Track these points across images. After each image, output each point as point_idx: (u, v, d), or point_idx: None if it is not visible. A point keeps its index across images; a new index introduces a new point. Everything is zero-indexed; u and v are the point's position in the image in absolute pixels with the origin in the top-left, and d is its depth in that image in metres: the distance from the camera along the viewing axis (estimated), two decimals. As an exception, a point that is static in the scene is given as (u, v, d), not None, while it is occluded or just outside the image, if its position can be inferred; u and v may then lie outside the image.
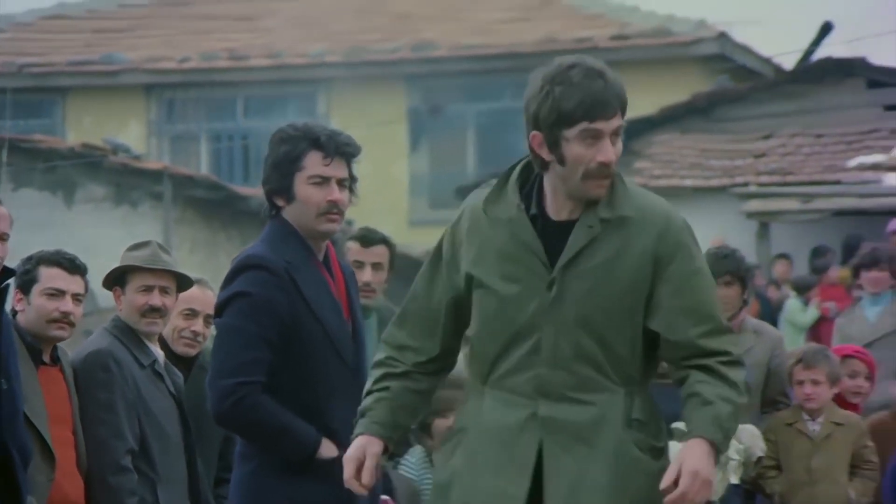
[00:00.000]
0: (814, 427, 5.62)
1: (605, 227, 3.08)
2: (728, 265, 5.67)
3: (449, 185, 18.13)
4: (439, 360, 3.26)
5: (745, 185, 14.76)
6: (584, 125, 3.06)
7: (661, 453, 3.16)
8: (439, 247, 3.23)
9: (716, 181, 15.12)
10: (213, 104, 19.47)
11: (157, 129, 19.26)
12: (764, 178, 14.88)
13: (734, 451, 5.26)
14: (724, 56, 17.69)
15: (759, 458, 5.46)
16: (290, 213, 3.72)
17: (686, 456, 3.02)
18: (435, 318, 3.21)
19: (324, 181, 3.70)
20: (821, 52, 17.52)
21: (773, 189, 14.55)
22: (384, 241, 5.05)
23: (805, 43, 18.02)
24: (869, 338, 7.19)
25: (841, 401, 5.81)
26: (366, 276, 4.96)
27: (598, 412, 3.08)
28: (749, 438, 5.41)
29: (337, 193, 3.71)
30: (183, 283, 4.41)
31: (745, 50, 18.08)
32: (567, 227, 3.09)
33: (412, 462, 4.99)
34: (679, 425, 5.32)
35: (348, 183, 3.76)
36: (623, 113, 3.12)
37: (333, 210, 3.71)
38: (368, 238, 5.03)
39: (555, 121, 3.08)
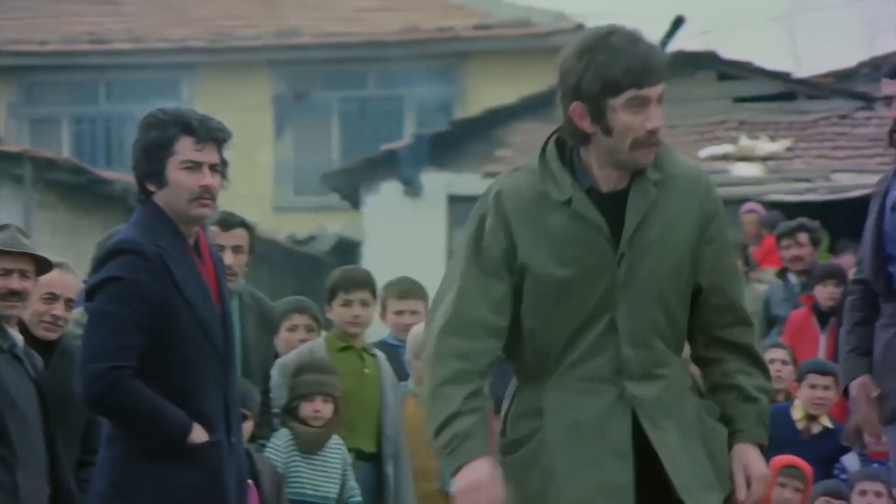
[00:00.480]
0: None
1: (658, 190, 2.97)
2: None
3: (313, 171, 18.03)
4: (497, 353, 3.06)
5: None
6: (631, 92, 2.91)
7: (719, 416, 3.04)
8: (476, 239, 3.01)
9: (573, 169, 15.28)
10: (75, 88, 19.08)
11: (16, 112, 18.80)
12: (620, 167, 15.09)
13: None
14: (582, 47, 17.86)
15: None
16: (161, 198, 3.69)
17: (750, 462, 2.97)
18: (494, 314, 2.95)
19: (196, 166, 3.66)
20: (673, 45, 17.85)
21: (629, 177, 14.75)
22: (243, 224, 5.00)
23: (659, 35, 18.33)
24: None
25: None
26: (226, 259, 4.91)
27: (675, 386, 2.97)
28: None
29: (209, 178, 3.67)
30: (43, 266, 4.30)
31: (603, 42, 18.27)
32: (616, 198, 2.95)
33: (278, 445, 4.95)
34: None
35: (220, 168, 3.72)
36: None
37: (206, 195, 3.67)
38: (227, 221, 4.98)
39: (599, 90, 2.95)
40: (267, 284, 14.37)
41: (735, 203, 11.71)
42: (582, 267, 2.93)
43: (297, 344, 5.40)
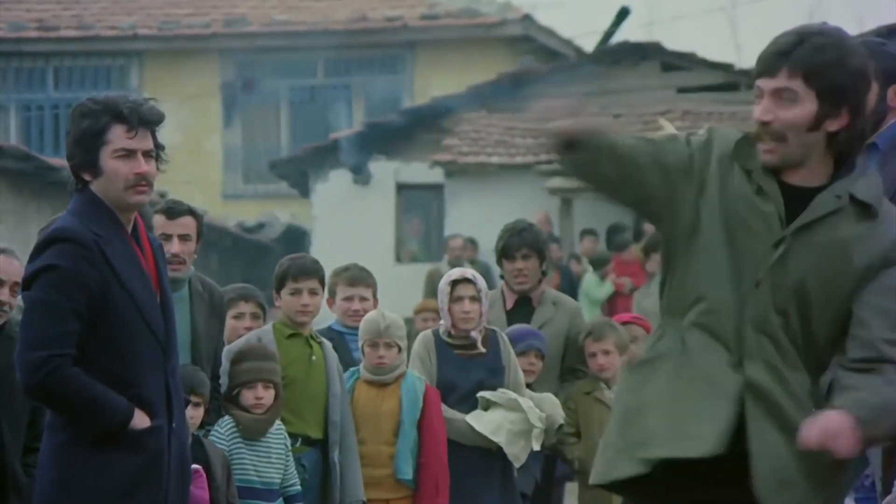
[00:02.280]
0: (610, 395, 5.75)
1: (852, 205, 2.92)
2: (526, 238, 5.77)
3: (262, 159, 17.95)
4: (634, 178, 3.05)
5: (549, 162, 14.98)
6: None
7: None
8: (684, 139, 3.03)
9: (520, 158, 15.32)
10: (22, 75, 18.86)
11: (-37, 99, 18.59)
12: (566, 156, 15.11)
13: (537, 420, 5.34)
14: (528, 37, 17.90)
15: (561, 426, 5.55)
16: (97, 186, 3.66)
17: (823, 414, 2.86)
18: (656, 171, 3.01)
19: (129, 154, 3.63)
20: (619, 36, 17.91)
21: (575, 166, 14.78)
22: (190, 212, 4.96)
23: (604, 26, 18.40)
24: None
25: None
26: (174, 247, 4.87)
27: (798, 392, 2.94)
28: (550, 407, 5.51)
29: (144, 165, 3.64)
30: None
31: (549, 32, 18.34)
32: (798, 191, 2.93)
33: (221, 433, 4.93)
34: (484, 394, 5.43)
35: (154, 153, 3.68)
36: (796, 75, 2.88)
37: (141, 182, 3.64)
38: (174, 210, 4.93)
39: None
40: (216, 272, 14.29)
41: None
42: (751, 235, 2.93)
43: (243, 332, 5.37)
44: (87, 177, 3.66)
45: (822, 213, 2.92)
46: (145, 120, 3.65)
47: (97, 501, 3.61)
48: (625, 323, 6.14)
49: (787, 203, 2.94)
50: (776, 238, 2.92)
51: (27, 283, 3.66)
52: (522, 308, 5.86)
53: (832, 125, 2.89)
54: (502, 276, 5.91)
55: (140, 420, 3.62)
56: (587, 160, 3.04)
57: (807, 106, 2.88)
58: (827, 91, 2.87)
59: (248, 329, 5.49)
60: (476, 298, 5.32)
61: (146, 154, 3.66)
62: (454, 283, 5.36)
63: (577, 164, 3.06)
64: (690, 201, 2.99)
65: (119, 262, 3.61)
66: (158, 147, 3.71)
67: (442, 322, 5.43)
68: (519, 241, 5.73)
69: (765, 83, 2.91)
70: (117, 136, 3.62)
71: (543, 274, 5.91)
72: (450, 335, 5.39)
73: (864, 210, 2.92)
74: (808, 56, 2.87)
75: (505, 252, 5.81)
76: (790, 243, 2.92)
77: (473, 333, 5.34)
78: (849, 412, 2.83)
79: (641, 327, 6.19)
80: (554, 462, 5.87)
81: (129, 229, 3.69)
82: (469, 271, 5.52)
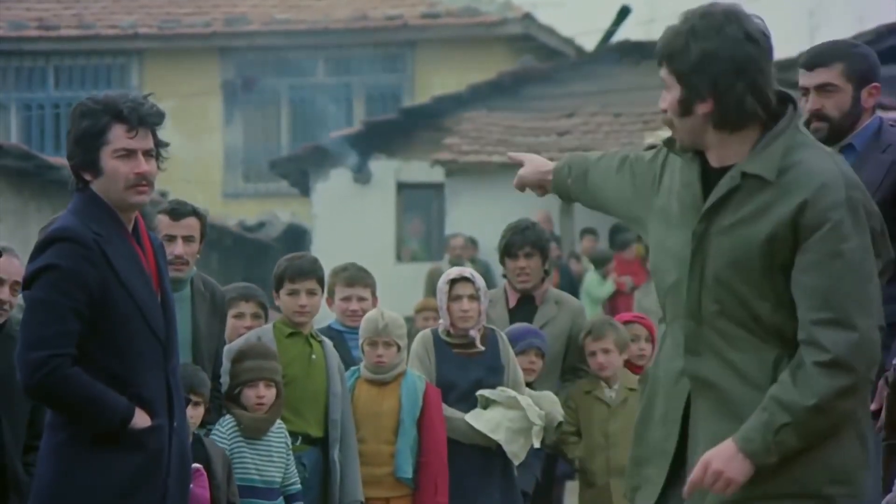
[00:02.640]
0: (610, 394, 5.75)
1: (751, 181, 2.92)
2: (529, 237, 5.77)
3: (262, 158, 17.95)
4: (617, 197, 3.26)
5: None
6: None
7: None
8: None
9: (521, 157, 15.30)
10: (23, 74, 18.86)
11: (-36, 98, 18.59)
12: (567, 155, 15.12)
13: (536, 417, 5.34)
14: (528, 36, 17.90)
15: (560, 423, 5.55)
16: (98, 186, 3.65)
17: (709, 450, 2.87)
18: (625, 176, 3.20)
19: (130, 154, 3.62)
20: (619, 35, 17.90)
21: (575, 165, 14.79)
22: (195, 212, 4.96)
23: (605, 25, 18.39)
24: None
25: (629, 366, 5.95)
26: (178, 248, 4.86)
27: (744, 372, 2.91)
28: (549, 405, 5.51)
29: (144, 165, 3.63)
30: None
31: (549, 31, 18.34)
32: (719, 173, 2.96)
33: (223, 432, 4.93)
34: (483, 392, 5.42)
35: (155, 152, 3.67)
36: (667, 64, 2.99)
37: (142, 182, 3.63)
38: (178, 211, 4.93)
39: None
40: (216, 270, 14.29)
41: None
42: (682, 230, 2.98)
43: (244, 331, 5.37)
44: (87, 176, 3.65)
45: (719, 195, 2.93)
46: (145, 119, 3.64)
47: (96, 501, 3.60)
48: (626, 322, 6.13)
49: (712, 186, 2.96)
50: (694, 227, 2.96)
51: (28, 283, 3.66)
52: (525, 307, 5.86)
53: (700, 108, 2.92)
54: (504, 275, 5.91)
55: (141, 419, 3.62)
56: (564, 197, 3.36)
57: (674, 92, 2.93)
58: (683, 76, 2.91)
59: (249, 328, 5.49)
60: (475, 297, 5.32)
61: (146, 153, 3.65)
62: (452, 282, 5.36)
63: (562, 198, 3.40)
64: (645, 217, 3.11)
65: (119, 261, 3.60)
66: (159, 145, 3.70)
67: (441, 321, 5.43)
68: (522, 240, 5.73)
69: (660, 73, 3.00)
70: (117, 136, 3.61)
71: (546, 273, 5.92)
72: (449, 334, 5.39)
73: (762, 183, 2.91)
74: (664, 43, 2.94)
75: (507, 250, 5.81)
76: (703, 230, 2.95)
77: (472, 332, 5.34)
78: (734, 443, 2.85)
79: (643, 326, 6.18)
80: (555, 461, 5.87)
81: (130, 228, 3.69)
82: (467, 270, 5.52)
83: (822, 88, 4.15)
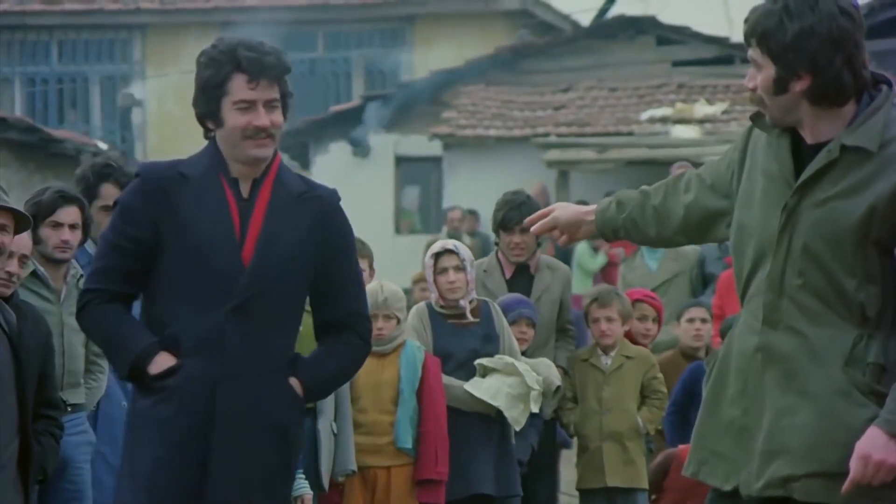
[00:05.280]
0: (606, 360, 5.78)
1: (850, 154, 2.88)
2: (525, 212, 5.77)
3: (263, 131, 17.90)
4: (679, 224, 3.20)
5: (546, 135, 14.97)
6: None
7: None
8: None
9: (518, 131, 15.29)
10: (27, 47, 18.81)
11: (-32, 72, 18.53)
12: (563, 129, 15.11)
13: (534, 382, 5.36)
14: (526, 11, 17.85)
15: (558, 388, 5.57)
16: (220, 136, 3.46)
17: (859, 442, 2.82)
18: (691, 196, 3.17)
19: (250, 106, 3.40)
20: (615, 10, 17.85)
21: (571, 139, 14.79)
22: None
23: (600, 0, 18.32)
24: (651, 285, 7.38)
25: (629, 338, 5.97)
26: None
27: (817, 349, 2.88)
28: (545, 370, 5.52)
29: (263, 118, 3.40)
30: (21, 223, 4.15)
31: (546, 6, 18.28)
32: (814, 149, 2.92)
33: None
34: (482, 361, 5.43)
35: (278, 103, 3.43)
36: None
37: (260, 135, 3.41)
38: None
39: None
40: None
41: (674, 164, 11.75)
42: (769, 204, 2.95)
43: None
44: (211, 125, 3.46)
45: (816, 169, 2.89)
46: (268, 70, 3.40)
47: (140, 458, 3.41)
48: (636, 301, 6.13)
49: (805, 161, 2.92)
50: (784, 201, 2.93)
51: None
52: (521, 277, 5.88)
53: (797, 86, 2.89)
54: (497, 244, 5.91)
55: (156, 365, 3.38)
56: (608, 235, 3.30)
57: (767, 71, 2.90)
58: (777, 55, 2.88)
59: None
60: (460, 268, 5.32)
61: (268, 104, 3.41)
62: (437, 256, 5.36)
63: (605, 236, 3.32)
64: (729, 209, 3.09)
65: (189, 200, 3.40)
66: (286, 96, 3.45)
67: (432, 294, 5.43)
68: (518, 215, 5.73)
69: (748, 53, 2.97)
70: (238, 87, 3.40)
71: (539, 245, 5.93)
72: (441, 306, 5.39)
73: (865, 154, 2.87)
74: (756, 23, 2.91)
75: (504, 224, 5.81)
76: (795, 204, 2.91)
77: (462, 302, 5.34)
78: (879, 428, 2.80)
79: (652, 307, 6.18)
80: (554, 429, 5.89)
81: (247, 180, 3.43)
82: (451, 242, 5.50)
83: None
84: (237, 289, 3.38)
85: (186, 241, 3.39)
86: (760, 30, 2.89)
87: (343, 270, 3.55)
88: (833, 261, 2.88)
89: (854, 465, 2.80)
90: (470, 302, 5.37)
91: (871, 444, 2.79)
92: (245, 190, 3.45)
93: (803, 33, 2.86)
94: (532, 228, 3.31)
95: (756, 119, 3.01)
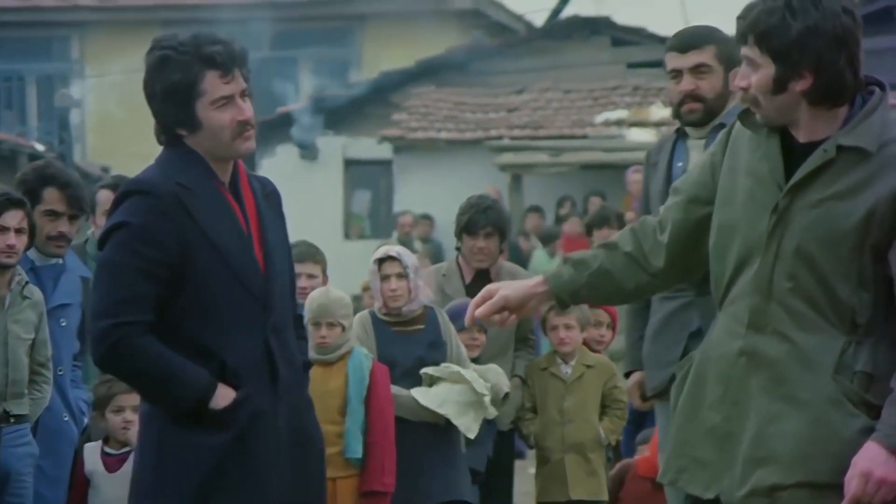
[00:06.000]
0: (566, 370, 5.80)
1: (847, 154, 2.85)
2: (491, 217, 5.78)
3: (207, 133, 17.83)
4: (667, 257, 3.08)
5: (499, 138, 15.01)
6: None
7: (878, 413, 2.85)
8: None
9: (470, 134, 15.32)
10: (-39, 46, 18.64)
11: None
12: (516, 132, 15.16)
13: (483, 389, 5.37)
14: (478, 11, 17.90)
15: (506, 395, 5.58)
16: (195, 140, 3.30)
17: (858, 457, 2.79)
18: (675, 214, 3.09)
19: (228, 101, 3.28)
20: (569, 10, 17.95)
21: (525, 143, 14.84)
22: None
23: (554, 1, 18.41)
24: None
25: (587, 345, 6.00)
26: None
27: (806, 354, 2.86)
28: (495, 376, 5.53)
29: (247, 111, 3.30)
30: None
31: (499, 6, 18.34)
32: (807, 148, 2.90)
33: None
34: (427, 370, 5.43)
35: (249, 91, 3.33)
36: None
37: (246, 128, 3.30)
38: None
39: None
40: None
41: (630, 167, 11.83)
42: (756, 204, 2.93)
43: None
44: (182, 132, 3.30)
45: (811, 169, 2.87)
46: (237, 59, 3.31)
47: (187, 488, 3.25)
48: (591, 307, 6.15)
49: (796, 162, 2.90)
50: (775, 202, 2.90)
51: (101, 243, 3.32)
52: (482, 283, 5.87)
53: (797, 86, 2.87)
54: (458, 249, 5.92)
55: (222, 397, 3.23)
56: (566, 300, 3.15)
57: (765, 70, 2.88)
58: (778, 53, 2.86)
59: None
60: (403, 275, 5.31)
61: (243, 95, 3.31)
62: (380, 262, 5.36)
63: (562, 302, 3.17)
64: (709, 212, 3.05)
65: (205, 213, 3.26)
66: (248, 80, 3.35)
67: (376, 302, 5.43)
68: (484, 219, 5.73)
69: (742, 52, 2.94)
70: (213, 85, 3.26)
71: (501, 251, 5.95)
72: (385, 313, 5.40)
73: (861, 156, 2.85)
74: (756, 21, 2.88)
75: (468, 228, 5.81)
76: (787, 205, 2.89)
77: (405, 310, 5.34)
78: (877, 442, 2.78)
79: (607, 313, 6.22)
80: (511, 439, 5.91)
81: (227, 179, 3.34)
82: (394, 248, 5.49)
83: (697, 69, 4.25)
84: (269, 302, 3.29)
85: (216, 258, 3.25)
86: (761, 28, 2.86)
87: (292, 265, 3.51)
88: (827, 264, 2.86)
89: (854, 482, 2.78)
90: (415, 309, 5.37)
91: (871, 461, 2.77)
92: (229, 191, 3.36)
93: (808, 32, 2.83)
94: (478, 313, 3.08)
95: (745, 118, 2.99)
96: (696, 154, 4.31)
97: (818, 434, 2.84)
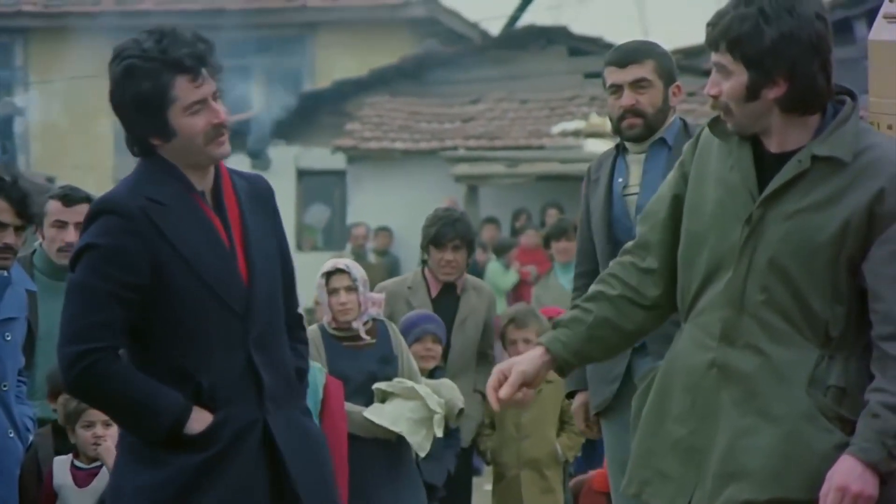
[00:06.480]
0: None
1: (822, 164, 2.86)
2: (459, 229, 5.80)
3: (155, 142, 17.77)
4: (659, 282, 3.05)
5: (454, 148, 15.05)
6: None
7: (852, 428, 2.87)
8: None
9: (425, 144, 15.35)
10: None
11: None
12: (472, 142, 15.20)
13: (436, 405, 5.38)
14: (432, 19, 17.95)
15: (461, 410, 5.60)
16: (170, 149, 3.23)
17: (833, 471, 2.80)
18: (657, 235, 3.06)
19: (202, 105, 3.21)
20: (525, 19, 18.03)
21: (481, 153, 14.89)
22: (88, 199, 4.89)
23: (510, 9, 18.51)
24: (565, 304, 7.47)
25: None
26: (69, 236, 4.80)
27: (779, 368, 2.87)
28: (448, 391, 5.54)
29: (221, 113, 3.23)
30: None
31: (453, 14, 18.40)
32: (779, 158, 2.91)
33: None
34: (380, 385, 5.43)
35: (219, 92, 3.26)
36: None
37: (220, 131, 3.23)
38: (71, 197, 4.86)
39: None
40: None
41: (586, 179, 11.91)
42: (727, 214, 2.93)
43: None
44: (156, 141, 3.24)
45: (785, 180, 2.88)
46: (205, 59, 3.24)
47: (161, 500, 3.20)
48: (552, 318, 6.15)
49: (769, 171, 2.92)
50: (748, 213, 2.91)
51: (72, 264, 3.25)
52: (447, 296, 5.90)
53: (771, 93, 2.88)
54: (425, 261, 5.93)
55: (198, 422, 3.18)
56: (571, 364, 3.10)
57: (738, 78, 2.89)
58: (752, 60, 2.86)
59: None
60: (352, 288, 5.32)
61: (214, 96, 3.23)
62: (328, 275, 5.37)
63: (566, 367, 3.11)
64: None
65: (178, 228, 3.19)
66: (216, 76, 3.26)
67: (325, 316, 5.44)
68: (452, 232, 5.74)
69: (713, 59, 2.95)
70: (184, 91, 3.19)
71: (468, 265, 5.97)
72: (334, 328, 5.40)
73: (836, 166, 2.86)
74: (728, 28, 2.88)
75: (436, 240, 5.82)
76: (760, 216, 2.90)
77: (355, 324, 5.34)
78: (852, 456, 2.79)
79: None
80: (470, 455, 5.92)
81: (208, 187, 3.27)
82: (342, 261, 5.49)
83: (637, 84, 4.30)
84: (252, 315, 3.23)
85: (190, 275, 3.18)
86: (734, 34, 2.86)
87: (288, 264, 3.44)
88: (801, 277, 2.87)
89: (831, 496, 2.79)
90: (365, 323, 5.37)
91: (847, 475, 2.79)
92: (209, 201, 3.28)
93: (783, 38, 2.84)
94: (502, 395, 3.02)
95: (714, 126, 3.00)
96: (636, 169, 4.36)
97: (792, 449, 2.85)
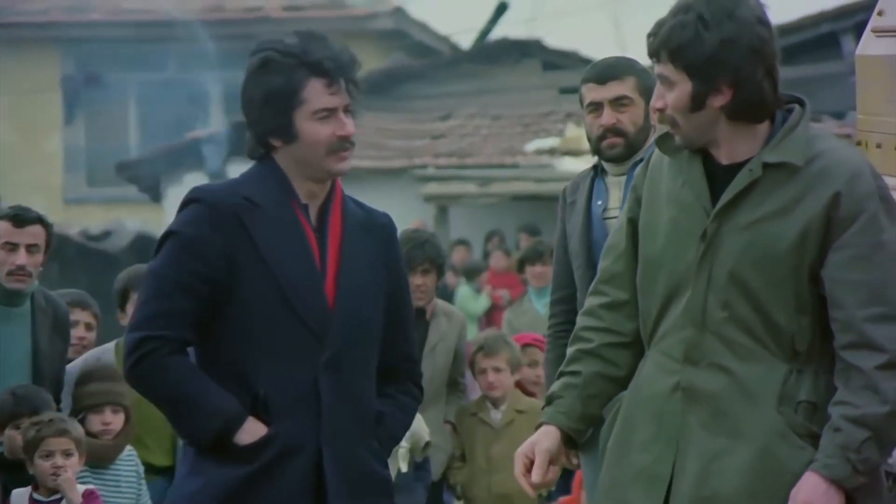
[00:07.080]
0: (495, 415, 5.80)
1: (775, 172, 2.90)
2: (428, 252, 5.77)
3: (108, 159, 17.71)
4: (632, 311, 3.07)
5: (424, 167, 15.05)
6: None
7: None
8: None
9: (394, 162, 15.35)
10: None
11: None
12: (442, 161, 15.20)
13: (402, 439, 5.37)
14: (400, 32, 17.99)
15: (427, 443, 5.59)
16: (288, 154, 3.22)
17: (797, 489, 2.84)
18: (621, 265, 3.10)
19: (330, 114, 3.21)
20: (498, 32, 18.09)
21: (452, 172, 14.89)
22: (40, 220, 4.88)
23: (482, 21, 18.57)
24: (541, 329, 7.46)
25: (521, 389, 6.01)
26: (20, 258, 4.78)
27: (746, 385, 2.90)
28: (415, 424, 5.54)
29: (349, 126, 3.23)
30: None
31: (422, 27, 18.45)
32: (730, 170, 2.94)
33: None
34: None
35: (353, 107, 3.25)
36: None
37: (344, 146, 3.23)
38: (22, 217, 4.84)
39: None
40: (57, 283, 14.03)
41: (562, 199, 11.94)
42: (681, 233, 2.97)
43: (76, 341, 5.32)
44: (276, 143, 3.22)
45: (737, 191, 2.91)
46: (346, 70, 3.24)
47: None
48: (525, 345, 6.15)
49: (721, 184, 2.94)
50: (702, 229, 2.94)
51: (156, 250, 3.27)
52: (417, 322, 5.88)
53: (716, 101, 2.90)
54: None
55: (249, 433, 3.14)
56: (582, 429, 3.15)
57: (682, 87, 2.92)
58: (694, 68, 2.89)
59: (81, 339, 5.44)
60: None
61: (346, 110, 3.24)
62: None
63: (577, 434, 3.15)
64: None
65: (267, 232, 3.18)
66: (354, 96, 3.27)
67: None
68: (421, 255, 5.69)
69: (656, 70, 2.97)
70: (316, 94, 3.20)
71: (437, 289, 5.95)
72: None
73: (789, 173, 2.91)
74: (668, 37, 2.91)
75: (405, 264, 5.80)
76: (715, 230, 2.93)
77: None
78: (816, 473, 2.83)
79: (542, 351, 6.24)
80: (440, 489, 5.91)
81: (320, 201, 3.26)
82: None
83: (618, 102, 4.28)
84: (329, 336, 3.21)
85: (268, 281, 3.17)
86: (674, 44, 2.90)
87: (403, 308, 3.42)
88: (762, 289, 2.89)
89: None
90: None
91: (811, 493, 2.83)
92: (314, 217, 3.26)
93: (724, 44, 2.87)
94: (535, 480, 3.10)
95: (662, 143, 3.03)
96: (616, 191, 4.35)
97: (765, 468, 2.88)
